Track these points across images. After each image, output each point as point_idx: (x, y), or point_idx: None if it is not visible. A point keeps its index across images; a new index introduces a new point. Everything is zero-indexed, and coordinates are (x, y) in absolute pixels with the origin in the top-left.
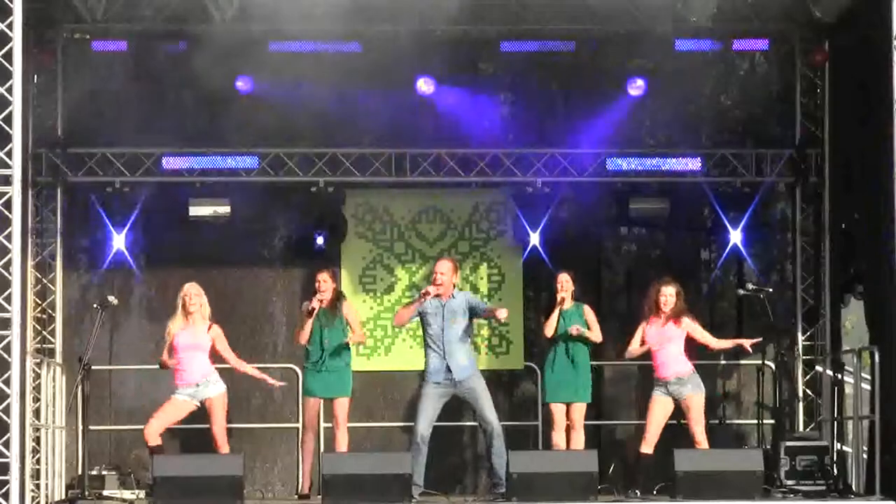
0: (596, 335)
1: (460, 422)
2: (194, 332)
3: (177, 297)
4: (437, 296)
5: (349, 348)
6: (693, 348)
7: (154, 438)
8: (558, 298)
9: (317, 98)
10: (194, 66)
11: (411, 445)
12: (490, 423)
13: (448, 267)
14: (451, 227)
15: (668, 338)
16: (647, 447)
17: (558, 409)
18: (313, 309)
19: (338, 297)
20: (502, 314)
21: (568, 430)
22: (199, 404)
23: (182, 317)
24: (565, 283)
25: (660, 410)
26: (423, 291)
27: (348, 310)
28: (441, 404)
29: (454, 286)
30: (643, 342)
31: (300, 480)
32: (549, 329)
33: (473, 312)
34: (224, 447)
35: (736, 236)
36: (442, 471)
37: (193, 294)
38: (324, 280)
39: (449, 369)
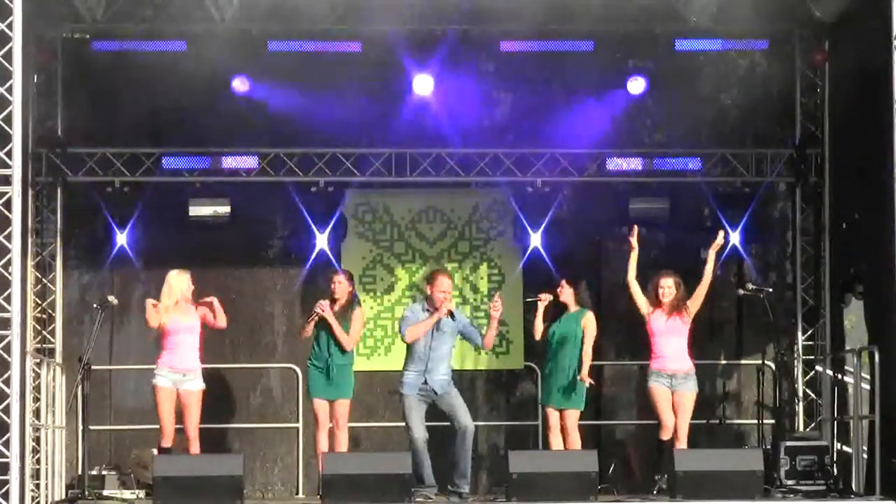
0: (585, 349)
1: None
2: (184, 316)
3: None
4: (435, 310)
5: (353, 350)
6: (692, 348)
7: (170, 441)
8: (540, 303)
9: (317, 98)
10: (194, 65)
11: (413, 451)
12: (465, 425)
13: (450, 284)
14: (451, 227)
15: (674, 331)
16: (667, 433)
17: (552, 413)
18: (318, 314)
19: (352, 301)
20: (497, 310)
21: (563, 433)
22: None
23: (170, 303)
24: (560, 290)
25: (665, 399)
26: (446, 311)
27: (356, 317)
28: (425, 407)
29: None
30: (648, 322)
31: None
32: (537, 332)
33: (465, 337)
34: (196, 444)
35: (736, 236)
36: (442, 471)
37: (177, 283)
38: (339, 282)
39: (426, 383)
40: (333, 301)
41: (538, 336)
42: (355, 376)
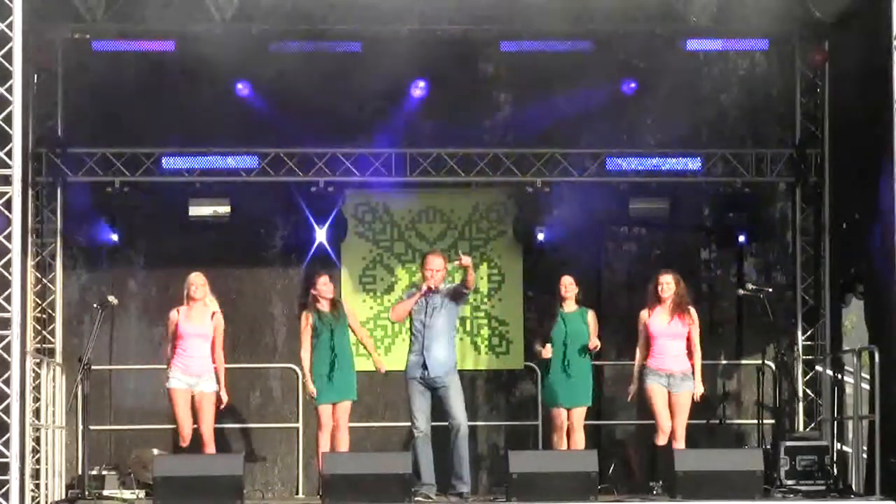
0: (592, 343)
1: None
2: (198, 320)
3: (177, 295)
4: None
5: (353, 351)
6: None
7: (187, 442)
8: (546, 351)
9: (316, 98)
10: (194, 65)
11: (414, 444)
12: (457, 419)
13: (441, 263)
14: (451, 227)
15: (676, 335)
16: (664, 438)
17: (558, 413)
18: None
19: (335, 302)
20: (466, 260)
21: (568, 432)
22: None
23: (186, 305)
24: (569, 286)
25: (662, 400)
26: (424, 290)
27: (351, 313)
28: (428, 398)
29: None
30: (648, 337)
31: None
32: (547, 353)
33: (455, 295)
34: (211, 445)
35: (736, 236)
36: (442, 471)
37: (199, 284)
38: (325, 283)
39: (425, 365)
40: (317, 301)
41: (547, 356)
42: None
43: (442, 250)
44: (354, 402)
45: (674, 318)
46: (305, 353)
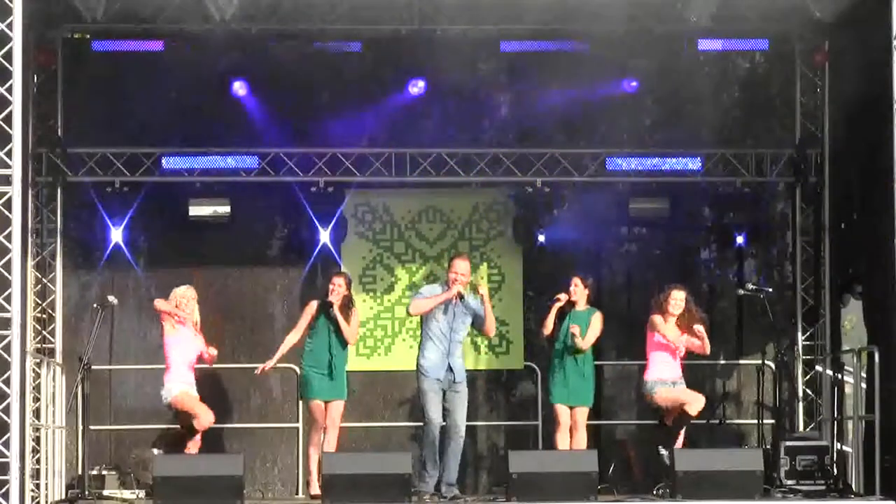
0: (584, 342)
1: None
2: (193, 336)
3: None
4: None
5: (348, 352)
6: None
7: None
8: (560, 297)
9: (317, 98)
10: (194, 65)
11: (428, 440)
12: (459, 427)
13: (467, 267)
14: (451, 227)
15: (683, 344)
16: (697, 406)
17: (563, 411)
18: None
19: (348, 304)
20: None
21: (570, 430)
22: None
23: (177, 320)
24: (572, 287)
25: (670, 393)
26: (456, 293)
27: (353, 317)
28: (442, 395)
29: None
30: (657, 342)
31: (312, 481)
32: (546, 328)
33: (474, 317)
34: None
35: (736, 236)
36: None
37: (190, 297)
38: (339, 285)
39: (450, 368)
40: (329, 302)
41: (548, 332)
42: (355, 376)
43: (442, 250)
44: (355, 403)
45: (685, 333)
46: (292, 335)
